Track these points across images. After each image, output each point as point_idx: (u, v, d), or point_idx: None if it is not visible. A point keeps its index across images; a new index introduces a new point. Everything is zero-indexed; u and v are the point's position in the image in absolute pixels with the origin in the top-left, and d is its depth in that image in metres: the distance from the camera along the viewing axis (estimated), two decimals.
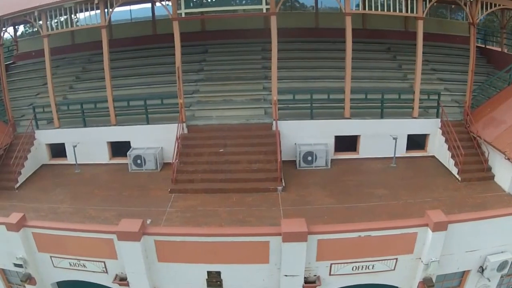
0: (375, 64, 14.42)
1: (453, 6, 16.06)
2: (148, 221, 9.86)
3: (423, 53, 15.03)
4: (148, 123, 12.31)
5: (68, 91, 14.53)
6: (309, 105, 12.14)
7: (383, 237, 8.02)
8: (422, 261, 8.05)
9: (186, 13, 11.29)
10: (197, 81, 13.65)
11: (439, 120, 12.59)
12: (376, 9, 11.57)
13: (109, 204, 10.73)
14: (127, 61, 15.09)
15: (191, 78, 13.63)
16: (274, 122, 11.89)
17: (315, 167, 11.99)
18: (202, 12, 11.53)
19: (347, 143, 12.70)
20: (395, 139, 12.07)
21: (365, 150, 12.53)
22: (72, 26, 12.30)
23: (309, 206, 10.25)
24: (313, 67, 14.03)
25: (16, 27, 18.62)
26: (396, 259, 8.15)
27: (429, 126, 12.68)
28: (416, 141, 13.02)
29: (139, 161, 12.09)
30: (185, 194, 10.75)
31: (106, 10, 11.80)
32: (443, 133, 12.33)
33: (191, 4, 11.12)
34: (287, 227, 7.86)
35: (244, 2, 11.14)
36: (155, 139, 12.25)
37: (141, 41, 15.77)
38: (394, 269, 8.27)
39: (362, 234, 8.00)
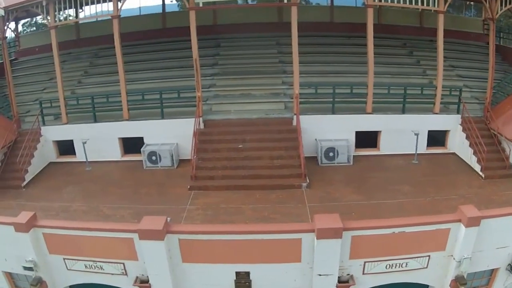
0: (392, 60, 14.15)
1: (468, 2, 15.98)
2: (168, 219, 9.33)
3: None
4: (162, 118, 11.80)
5: (76, 86, 13.95)
6: (331, 99, 11.78)
7: (416, 233, 7.69)
8: (454, 258, 7.75)
9: (204, 3, 10.87)
10: (213, 75, 13.20)
11: (460, 116, 12.35)
12: (398, 2, 11.33)
13: (124, 202, 10.18)
14: (137, 55, 14.58)
15: (206, 72, 13.17)
16: (294, 117, 11.50)
17: (337, 163, 11.61)
18: (219, 2, 11.13)
19: (365, 139, 12.39)
20: (417, 135, 11.78)
21: (386, 146, 12.20)
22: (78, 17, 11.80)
23: (336, 203, 9.86)
24: (330, 61, 13.70)
25: (18, 22, 18.03)
26: (429, 256, 7.83)
27: (450, 122, 12.42)
28: (435, 138, 12.78)
29: (154, 158, 11.56)
30: (206, 191, 10.26)
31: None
32: (464, 130, 12.08)
33: None
34: (321, 223, 7.42)
35: None
36: (170, 135, 11.74)
37: (150, 35, 15.28)
38: (426, 267, 7.93)
39: (396, 230, 7.65)
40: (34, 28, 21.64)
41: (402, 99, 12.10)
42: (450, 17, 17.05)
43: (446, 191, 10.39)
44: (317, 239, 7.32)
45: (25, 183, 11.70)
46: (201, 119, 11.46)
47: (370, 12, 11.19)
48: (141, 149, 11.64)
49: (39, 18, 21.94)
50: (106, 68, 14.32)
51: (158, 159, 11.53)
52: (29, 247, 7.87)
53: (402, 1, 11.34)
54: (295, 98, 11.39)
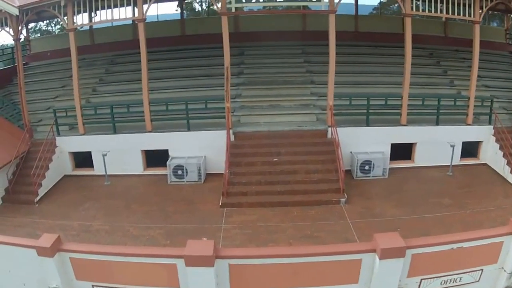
0: (419, 70, 13.81)
1: (492, 12, 15.89)
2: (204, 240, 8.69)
3: (464, 59, 14.88)
4: (189, 130, 11.14)
5: (91, 94, 13.19)
6: (363, 110, 11.34)
7: (472, 248, 7.38)
8: (505, 270, 7.43)
9: (236, 8, 10.36)
10: (238, 84, 12.62)
11: (492, 127, 12.10)
12: (436, 11, 11.03)
13: (152, 221, 9.46)
14: (156, 62, 13.87)
15: (232, 82, 12.58)
16: (329, 129, 11.00)
17: (372, 176, 11.13)
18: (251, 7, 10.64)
19: (398, 151, 12.00)
20: (453, 146, 11.45)
21: (420, 158, 11.79)
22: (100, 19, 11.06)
23: (378, 219, 9.41)
24: (357, 72, 13.28)
25: (28, 25, 17.17)
26: (482, 270, 7.48)
27: (483, 133, 12.12)
28: (465, 148, 12.49)
29: (180, 172, 10.86)
30: (239, 208, 9.61)
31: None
32: (497, 140, 11.80)
33: None
34: (384, 243, 6.93)
35: None
36: (197, 147, 11.07)
37: (169, 42, 14.65)
38: (478, 280, 7.58)
39: (455, 245, 7.31)
40: (38, 34, 20.79)
41: (435, 110, 11.76)
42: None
43: (484, 202, 10.11)
44: (380, 259, 6.85)
45: (38, 198, 10.90)
46: (231, 131, 10.85)
47: (408, 22, 10.86)
48: (167, 163, 10.93)
49: (43, 24, 21.20)
50: (123, 76, 13.64)
51: (185, 173, 10.85)
52: (53, 272, 7.05)
53: (439, 11, 11.07)
54: (329, 110, 10.90)
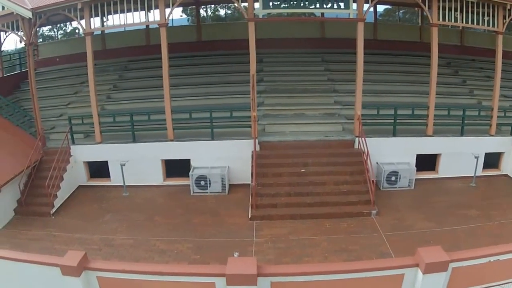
0: (439, 79, 13.70)
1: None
2: (235, 254, 8.29)
3: (482, 68, 14.93)
4: (212, 139, 10.78)
5: (105, 101, 12.73)
6: (388, 120, 11.17)
7: (507, 260, 7.29)
8: None
9: (264, 14, 10.13)
10: (260, 92, 12.31)
11: None
12: (461, 21, 11.01)
13: (178, 234, 9.04)
14: (170, 69, 13.47)
15: None
16: (356, 139, 10.79)
17: (398, 187, 10.94)
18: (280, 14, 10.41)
19: (421, 162, 11.85)
20: (477, 158, 11.35)
21: (444, 169, 11.64)
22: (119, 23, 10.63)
23: (410, 231, 9.18)
24: (379, 80, 13.12)
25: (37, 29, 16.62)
26: None
27: (505, 144, 12.04)
28: (485, 160, 12.42)
29: (202, 183, 10.48)
30: (269, 221, 9.27)
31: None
32: None
33: (270, 4, 9.93)
34: (428, 257, 6.69)
35: (330, 5, 10.09)
36: (220, 157, 10.71)
37: (184, 48, 14.30)
38: None
39: (492, 258, 7.18)
40: (41, 40, 20.21)
41: (460, 121, 11.67)
42: (490, 36, 17.01)
43: (509, 214, 9.98)
44: (423, 273, 6.64)
45: (54, 209, 10.38)
46: (256, 140, 10.54)
47: (435, 31, 10.76)
48: (190, 173, 10.53)
49: (45, 29, 20.64)
50: (138, 83, 13.26)
51: (208, 184, 10.46)
52: None
53: (464, 21, 11.04)
54: (357, 120, 10.70)
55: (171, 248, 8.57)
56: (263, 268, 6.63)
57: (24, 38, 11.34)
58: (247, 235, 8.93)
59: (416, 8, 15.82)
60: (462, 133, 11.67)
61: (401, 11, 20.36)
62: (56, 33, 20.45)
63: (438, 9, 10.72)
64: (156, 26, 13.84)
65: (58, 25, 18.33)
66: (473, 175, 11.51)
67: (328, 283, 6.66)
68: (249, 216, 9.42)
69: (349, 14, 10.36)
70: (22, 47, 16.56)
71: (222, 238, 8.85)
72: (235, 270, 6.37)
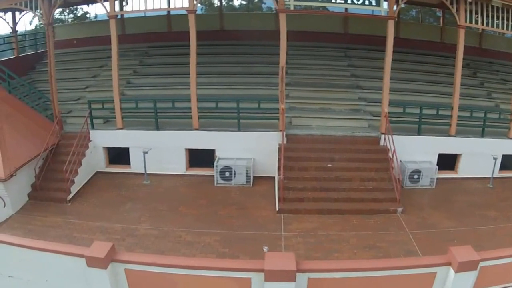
0: None
1: None
2: (265, 249, 8.24)
3: (498, 71, 15.06)
4: (239, 130, 10.64)
5: (125, 87, 12.42)
6: (412, 119, 11.19)
7: None
8: None
9: (295, 6, 9.96)
10: (285, 85, 12.16)
11: None
12: (488, 25, 11.01)
13: (204, 225, 8.92)
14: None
15: (276, 82, 12.15)
16: (382, 136, 10.78)
17: (420, 186, 11.02)
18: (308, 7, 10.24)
19: (439, 161, 11.96)
20: (495, 159, 11.50)
21: (463, 170, 11.76)
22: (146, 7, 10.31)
23: (434, 230, 9.25)
24: (401, 79, 13.09)
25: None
26: None
27: None
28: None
29: (227, 174, 10.36)
30: (297, 215, 9.22)
31: None
32: None
33: None
34: (461, 256, 6.77)
35: (361, 1, 9.99)
36: (245, 149, 10.59)
37: (206, 37, 13.98)
38: None
39: None
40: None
41: (481, 122, 11.77)
42: (508, 39, 17.12)
43: None
44: (455, 272, 6.69)
45: (71, 196, 10.14)
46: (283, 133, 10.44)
47: (462, 33, 10.77)
48: (214, 163, 10.39)
49: (56, 12, 19.96)
50: (159, 69, 13.01)
51: (233, 175, 10.35)
52: (104, 286, 6.19)
53: (490, 25, 11.06)
54: (384, 117, 10.68)
55: (198, 240, 8.44)
56: (301, 264, 6.58)
57: (44, 18, 10.96)
58: (275, 229, 8.87)
59: (437, 9, 15.80)
60: (482, 135, 11.81)
61: (414, 10, 20.30)
62: (66, 16, 19.83)
63: (465, 11, 10.74)
64: (178, 12, 13.69)
65: (69, 9, 17.73)
66: (490, 176, 11.67)
67: (363, 280, 6.68)
68: (276, 209, 9.36)
69: (380, 11, 10.28)
70: (32, 29, 16.06)
71: (249, 231, 8.76)
72: (274, 266, 6.28)
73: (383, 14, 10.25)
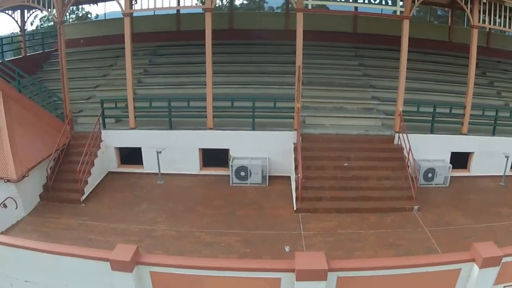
0: (466, 79, 13.99)
1: None
2: (287, 249, 8.20)
3: (506, 70, 15.17)
4: (254, 129, 10.57)
5: (136, 86, 12.29)
6: (430, 118, 11.21)
7: None
8: None
9: (313, 5, 9.94)
10: None
11: None
12: (499, 25, 11.09)
13: (223, 226, 8.84)
14: (202, 56, 13.16)
15: (289, 81, 12.11)
16: (396, 135, 10.79)
17: (434, 184, 11.05)
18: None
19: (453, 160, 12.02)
20: (507, 157, 11.57)
21: (475, 168, 11.82)
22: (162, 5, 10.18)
23: (451, 227, 9.27)
24: (411, 78, 13.14)
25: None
26: None
27: None
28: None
29: (242, 173, 10.28)
30: (315, 214, 9.18)
31: None
32: None
33: None
34: (484, 252, 6.81)
35: (378, 1, 10.00)
36: (259, 148, 10.52)
37: (216, 36, 13.92)
38: None
39: None
40: (52, 23, 19.36)
41: (493, 121, 11.84)
42: None
43: None
44: (479, 268, 6.71)
45: (84, 196, 10.00)
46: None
47: (475, 33, 10.83)
48: (230, 163, 10.32)
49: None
50: (169, 68, 12.89)
51: (248, 175, 10.28)
52: None
53: (502, 25, 11.13)
54: (398, 116, 10.69)
55: (218, 240, 8.34)
56: (332, 263, 6.54)
57: (56, 16, 10.82)
58: (295, 228, 8.82)
59: (446, 9, 15.90)
60: (493, 133, 11.88)
61: (422, 10, 20.40)
62: (67, 17, 19.64)
63: (479, 12, 10.81)
64: (187, 11, 13.62)
65: (70, 9, 17.54)
66: (502, 174, 11.73)
67: (389, 278, 6.68)
68: (294, 209, 9.31)
69: (395, 11, 10.29)
70: (33, 29, 15.86)
71: (269, 231, 8.69)
72: (306, 265, 6.24)
73: (398, 13, 10.26)
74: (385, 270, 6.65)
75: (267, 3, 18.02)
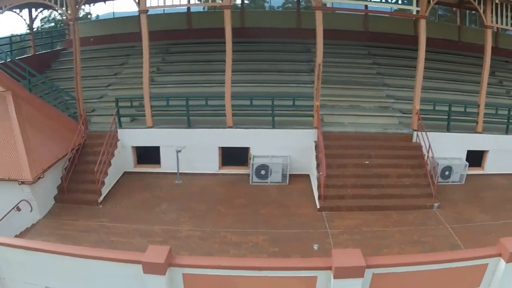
0: (477, 79, 14.12)
1: None
2: (315, 247, 8.15)
3: None
4: (273, 127, 10.50)
5: (150, 84, 12.02)
6: (446, 116, 11.29)
7: None
8: None
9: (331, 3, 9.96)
10: (312, 82, 12.11)
11: None
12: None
13: (248, 225, 8.76)
14: (214, 54, 13.02)
15: (304, 79, 12.11)
16: (414, 133, 10.85)
17: (451, 182, 11.13)
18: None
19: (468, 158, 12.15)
20: None
21: (490, 166, 11.96)
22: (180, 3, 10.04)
23: (471, 224, 9.36)
24: (424, 76, 13.23)
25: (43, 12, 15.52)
26: None
27: None
28: None
29: (263, 172, 10.20)
30: (338, 212, 9.17)
31: None
32: None
33: None
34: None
35: (394, 0, 10.06)
36: (279, 146, 10.46)
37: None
38: None
39: None
40: (53, 24, 19.04)
41: (506, 120, 11.99)
42: None
43: None
44: (506, 262, 6.75)
45: (102, 197, 9.79)
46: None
47: (489, 33, 10.98)
48: (250, 162, 10.23)
49: (57, 14, 19.42)
50: (181, 66, 12.76)
51: (269, 173, 10.21)
52: None
53: (510, 25, 11.30)
54: (415, 114, 10.75)
55: (245, 240, 8.26)
56: (369, 260, 6.50)
57: (70, 13, 10.60)
58: (320, 227, 8.79)
59: (454, 8, 16.11)
60: (507, 131, 12.03)
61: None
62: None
63: (492, 12, 10.95)
64: (197, 9, 13.48)
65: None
66: None
67: (420, 273, 6.67)
68: (317, 207, 9.27)
69: (412, 10, 10.35)
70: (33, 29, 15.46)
71: (295, 230, 8.66)
72: (344, 263, 6.18)
73: (414, 13, 10.33)
74: (417, 266, 6.70)
75: (267, 2, 17.99)
